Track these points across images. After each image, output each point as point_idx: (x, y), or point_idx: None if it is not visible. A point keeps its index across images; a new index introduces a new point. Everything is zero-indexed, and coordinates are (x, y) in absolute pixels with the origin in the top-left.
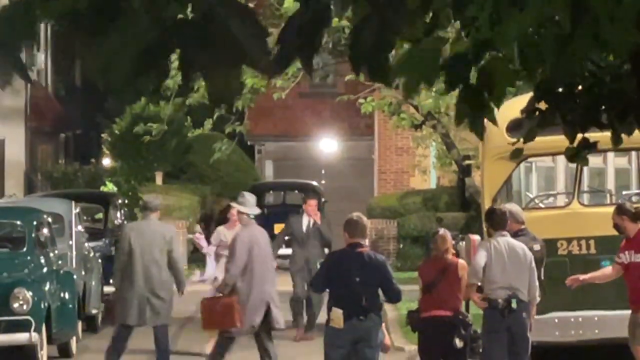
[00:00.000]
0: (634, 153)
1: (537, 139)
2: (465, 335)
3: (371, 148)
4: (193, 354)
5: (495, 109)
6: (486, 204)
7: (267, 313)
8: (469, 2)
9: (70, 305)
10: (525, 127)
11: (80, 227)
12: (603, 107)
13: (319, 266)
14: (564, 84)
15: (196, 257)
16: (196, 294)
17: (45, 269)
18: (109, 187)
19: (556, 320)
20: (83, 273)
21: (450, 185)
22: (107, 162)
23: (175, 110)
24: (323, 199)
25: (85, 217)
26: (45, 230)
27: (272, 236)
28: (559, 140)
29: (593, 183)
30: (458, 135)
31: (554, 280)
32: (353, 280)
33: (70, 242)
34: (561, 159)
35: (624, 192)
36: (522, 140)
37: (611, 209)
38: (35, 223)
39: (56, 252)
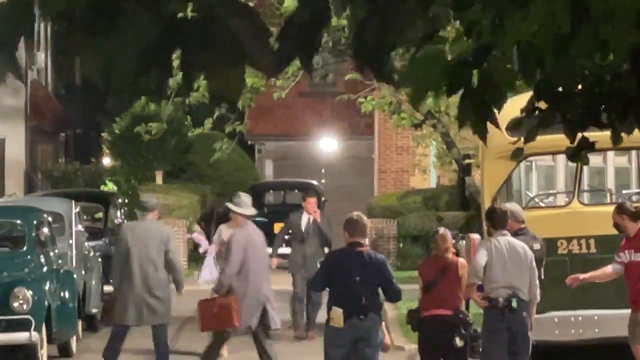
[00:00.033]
0: (634, 152)
1: (537, 138)
2: (466, 335)
3: (371, 147)
4: (193, 353)
5: (497, 112)
6: (486, 203)
7: (264, 313)
8: (470, 4)
9: (71, 305)
10: (525, 126)
11: (80, 227)
12: (603, 106)
13: (318, 265)
14: (563, 83)
15: (196, 257)
16: (196, 294)
17: (45, 268)
18: (109, 186)
19: (556, 320)
20: (83, 272)
21: (450, 185)
22: (107, 161)
23: (175, 109)
24: (323, 198)
25: (85, 217)
26: (45, 230)
27: (272, 235)
28: (559, 139)
29: (593, 182)
30: (458, 135)
31: (554, 280)
32: (353, 280)
33: (70, 242)
34: (561, 158)
35: (624, 191)
36: (522, 139)
37: (611, 208)
38: (35, 222)
39: (56, 251)
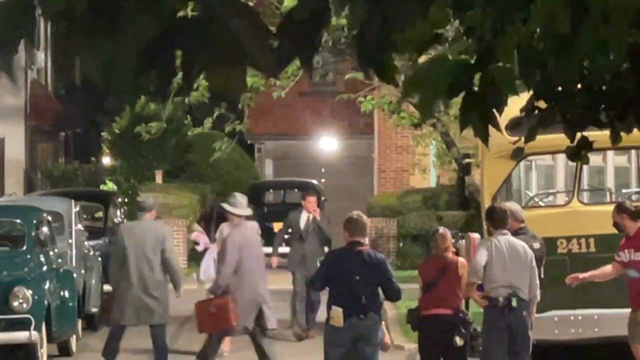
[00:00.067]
0: (633, 151)
1: (537, 137)
2: (466, 334)
3: (371, 147)
4: (192, 353)
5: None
6: (486, 203)
7: (260, 313)
8: (470, 5)
9: (70, 304)
10: (525, 125)
11: (80, 226)
12: (602, 105)
13: (318, 264)
14: (563, 83)
15: (196, 256)
16: (196, 293)
17: (45, 268)
18: (109, 185)
19: (556, 319)
20: (83, 272)
21: (450, 184)
22: (107, 160)
23: (175, 109)
24: (323, 198)
25: (85, 216)
26: (45, 229)
27: (272, 234)
28: (559, 138)
29: (593, 181)
30: (458, 134)
31: (554, 279)
32: (353, 279)
33: (70, 241)
34: (561, 158)
35: (623, 191)
36: (522, 139)
37: (611, 208)
38: (35, 222)
39: (56, 250)
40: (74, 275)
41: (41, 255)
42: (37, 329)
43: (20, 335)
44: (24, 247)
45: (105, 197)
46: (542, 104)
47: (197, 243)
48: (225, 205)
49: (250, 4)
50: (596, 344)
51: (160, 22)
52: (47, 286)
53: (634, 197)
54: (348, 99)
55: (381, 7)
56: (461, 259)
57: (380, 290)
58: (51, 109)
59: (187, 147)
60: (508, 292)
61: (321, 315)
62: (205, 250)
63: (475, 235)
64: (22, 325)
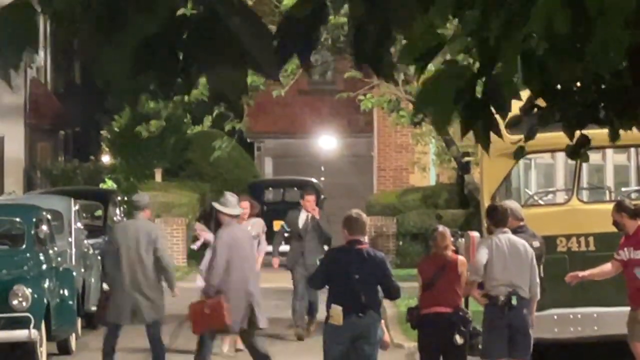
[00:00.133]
0: (632, 150)
1: (536, 135)
2: (465, 332)
3: (370, 145)
4: (192, 352)
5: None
6: (485, 201)
7: (251, 313)
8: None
9: (70, 302)
10: (525, 124)
11: (79, 224)
12: (602, 104)
13: (318, 263)
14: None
15: (196, 255)
16: (196, 292)
17: (44, 266)
18: (109, 184)
19: (555, 317)
20: (82, 270)
21: (449, 182)
22: (106, 159)
23: (174, 107)
24: (322, 196)
25: (84, 214)
26: (44, 228)
27: (272, 233)
28: (558, 137)
29: (592, 180)
30: (457, 132)
31: (553, 277)
32: (352, 277)
33: (70, 239)
34: (560, 156)
35: (623, 189)
36: (522, 138)
37: (610, 206)
38: (34, 220)
39: (55, 249)
40: (74, 273)
41: (41, 254)
42: (37, 327)
43: (19, 334)
44: (24, 246)
45: (105, 196)
46: (541, 103)
47: (196, 239)
48: (216, 205)
49: (250, 3)
50: (595, 342)
51: (159, 21)
52: (46, 285)
53: (633, 196)
54: (347, 97)
55: (380, 4)
56: (461, 257)
57: (379, 289)
58: (50, 107)
59: (187, 145)
60: (508, 290)
61: (321, 313)
62: (205, 246)
63: (475, 234)
64: (22, 323)
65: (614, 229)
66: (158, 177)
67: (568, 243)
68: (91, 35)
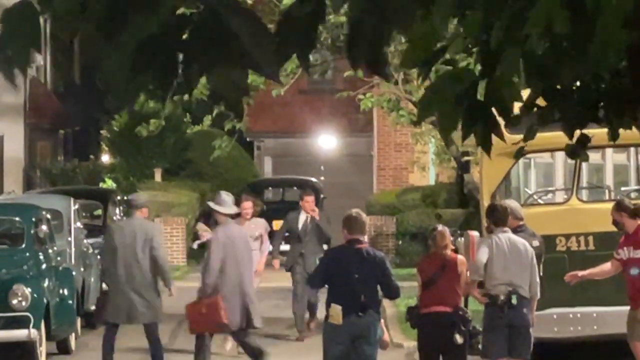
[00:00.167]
0: (632, 149)
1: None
2: (465, 331)
3: (370, 144)
4: (191, 351)
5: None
6: (485, 201)
7: (246, 312)
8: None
9: (69, 302)
10: (524, 123)
11: (79, 224)
12: (601, 103)
13: (318, 262)
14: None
15: (196, 254)
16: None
17: (44, 266)
18: (108, 183)
19: (555, 317)
20: (82, 269)
21: (449, 182)
22: (106, 158)
23: (174, 107)
24: (322, 196)
25: (84, 214)
26: (44, 227)
27: (271, 233)
28: (558, 136)
29: (592, 179)
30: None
31: (553, 277)
32: (352, 277)
33: (69, 239)
34: (560, 155)
35: (622, 188)
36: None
37: (610, 205)
38: (34, 219)
39: (55, 248)
40: (73, 273)
41: (40, 253)
42: (36, 326)
43: (19, 333)
44: (23, 245)
45: (104, 195)
46: (540, 102)
47: (196, 239)
48: (211, 204)
49: (249, 2)
50: (595, 341)
51: (159, 21)
52: (46, 284)
53: (632, 195)
54: (347, 96)
55: (379, 3)
56: (460, 257)
57: (379, 288)
58: (50, 106)
59: (187, 145)
60: (508, 289)
61: (320, 313)
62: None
63: (475, 233)
64: (21, 323)
65: (614, 229)
66: (158, 176)
67: (567, 242)
68: (91, 36)
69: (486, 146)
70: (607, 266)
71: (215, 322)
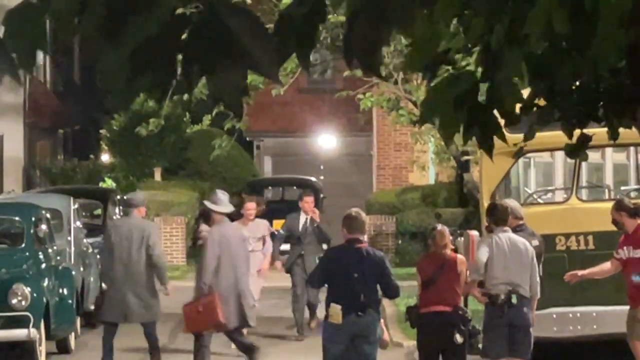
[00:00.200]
0: (632, 149)
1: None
2: (464, 331)
3: (370, 144)
4: (191, 351)
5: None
6: (485, 200)
7: (241, 311)
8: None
9: (69, 301)
10: (524, 122)
11: (78, 223)
12: (601, 102)
13: (317, 261)
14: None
15: (195, 253)
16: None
17: (43, 265)
18: (108, 183)
19: (554, 316)
20: (81, 269)
21: (448, 181)
22: (105, 158)
23: (173, 106)
24: (322, 195)
25: (83, 213)
26: (43, 226)
27: (272, 234)
28: (558, 135)
29: (591, 179)
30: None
31: (553, 276)
32: (352, 276)
33: (69, 238)
34: (559, 155)
35: (622, 188)
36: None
37: (609, 205)
38: (33, 219)
39: (55, 248)
40: (73, 272)
41: (40, 253)
42: (36, 326)
43: (19, 333)
44: (23, 245)
45: (104, 195)
46: (540, 101)
47: (196, 240)
48: (207, 203)
49: (249, 1)
50: (595, 341)
51: (159, 22)
52: (45, 284)
53: (632, 195)
54: (347, 96)
55: (378, 2)
56: (460, 256)
57: (378, 288)
58: (50, 106)
59: (186, 144)
60: (508, 289)
61: (320, 313)
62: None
63: (474, 233)
64: (21, 322)
65: (613, 228)
66: (157, 176)
67: (567, 242)
68: (91, 36)
69: (488, 148)
70: (606, 266)
71: (211, 321)
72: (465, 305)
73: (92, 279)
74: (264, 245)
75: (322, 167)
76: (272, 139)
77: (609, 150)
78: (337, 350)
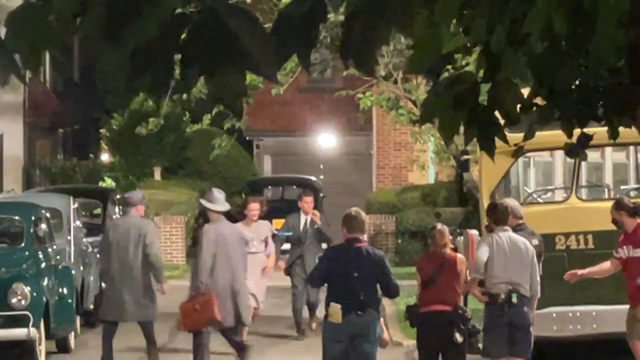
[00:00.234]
0: (631, 148)
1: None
2: (464, 330)
3: (369, 143)
4: (190, 350)
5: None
6: (484, 199)
7: (236, 309)
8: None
9: (69, 301)
10: (524, 122)
11: (78, 223)
12: (601, 102)
13: (317, 260)
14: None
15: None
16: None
17: (43, 264)
18: (108, 182)
19: (554, 315)
20: (81, 268)
21: (448, 181)
22: (105, 157)
23: (173, 105)
24: (321, 194)
25: (83, 213)
26: (43, 226)
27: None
28: (557, 135)
29: (591, 178)
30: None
31: (552, 275)
32: (351, 275)
33: (69, 238)
34: (559, 154)
35: (621, 187)
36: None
37: (609, 204)
38: (33, 218)
39: (54, 247)
40: (73, 272)
41: (39, 252)
42: (36, 325)
43: (18, 332)
44: (23, 244)
45: (104, 194)
46: (540, 101)
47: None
48: (203, 202)
49: (248, 0)
50: (594, 340)
51: (159, 22)
52: (45, 283)
53: (632, 194)
54: (347, 95)
55: (377, 2)
56: (459, 255)
57: (378, 287)
58: (50, 105)
59: (186, 143)
60: (509, 288)
61: (320, 312)
62: None
63: (474, 232)
64: (21, 322)
65: (613, 227)
66: (157, 175)
67: (567, 241)
68: (91, 36)
69: (489, 148)
70: (606, 265)
71: (207, 319)
72: (465, 304)
73: (91, 278)
74: (267, 247)
75: (321, 167)
76: (271, 138)
77: (608, 149)
78: (336, 350)
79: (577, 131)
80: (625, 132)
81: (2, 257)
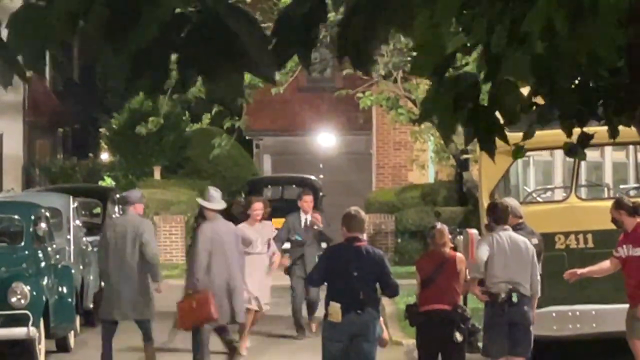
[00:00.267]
0: (631, 147)
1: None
2: (464, 329)
3: (369, 143)
4: (190, 350)
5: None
6: (484, 199)
7: (231, 307)
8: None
9: (69, 300)
10: (523, 121)
11: (78, 222)
12: (601, 101)
13: (317, 260)
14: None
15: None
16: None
17: (43, 264)
18: (107, 181)
19: (554, 315)
20: (81, 267)
21: (448, 180)
22: (105, 156)
23: (172, 105)
24: (321, 194)
25: (83, 212)
26: (43, 225)
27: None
28: (557, 134)
29: (591, 177)
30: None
31: (552, 275)
32: (351, 275)
33: (68, 237)
34: (559, 153)
35: (621, 186)
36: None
37: (609, 203)
38: (33, 217)
39: (54, 246)
40: (72, 271)
41: (39, 251)
42: (35, 324)
43: (18, 331)
44: (22, 243)
45: (104, 193)
46: (539, 100)
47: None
48: (200, 200)
49: (247, 0)
50: (594, 339)
51: (158, 22)
52: (45, 282)
53: (631, 193)
54: (346, 94)
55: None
56: (459, 255)
57: (378, 286)
58: (49, 105)
59: (186, 143)
60: (509, 287)
61: (319, 311)
62: None
63: (473, 231)
64: (20, 321)
65: (613, 227)
66: (157, 174)
67: (566, 240)
68: (92, 37)
69: (489, 149)
70: (606, 264)
71: (203, 316)
72: (465, 303)
73: (91, 277)
74: (269, 247)
75: (321, 166)
76: (271, 138)
77: (608, 148)
78: (336, 349)
79: (577, 130)
80: (625, 132)
81: (1, 256)
